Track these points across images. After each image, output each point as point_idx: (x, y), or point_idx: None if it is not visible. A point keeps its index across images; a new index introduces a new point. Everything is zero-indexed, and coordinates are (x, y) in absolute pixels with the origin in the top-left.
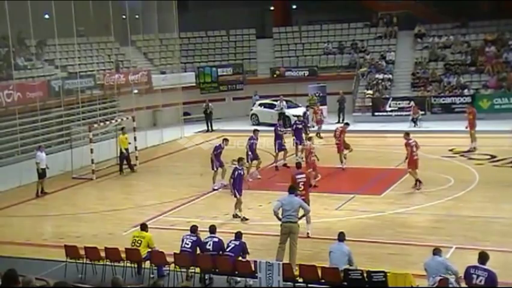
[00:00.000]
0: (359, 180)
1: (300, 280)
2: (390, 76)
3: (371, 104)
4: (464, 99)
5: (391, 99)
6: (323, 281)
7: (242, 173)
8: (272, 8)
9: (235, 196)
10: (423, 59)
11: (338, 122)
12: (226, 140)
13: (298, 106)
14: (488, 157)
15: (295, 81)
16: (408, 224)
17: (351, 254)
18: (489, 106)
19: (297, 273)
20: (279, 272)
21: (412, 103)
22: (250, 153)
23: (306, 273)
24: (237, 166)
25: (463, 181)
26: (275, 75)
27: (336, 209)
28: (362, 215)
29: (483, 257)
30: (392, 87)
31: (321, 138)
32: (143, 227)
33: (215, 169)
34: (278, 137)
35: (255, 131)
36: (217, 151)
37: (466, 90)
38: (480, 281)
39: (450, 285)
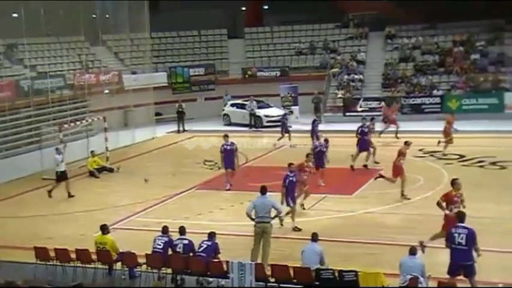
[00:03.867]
0: (330, 180)
1: (272, 280)
2: (361, 77)
3: (342, 104)
4: (434, 100)
5: (362, 99)
6: (294, 280)
7: (294, 179)
8: (244, 9)
9: (288, 205)
10: (394, 59)
11: None
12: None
13: (270, 106)
14: (457, 157)
15: (267, 81)
16: (379, 223)
17: (323, 254)
18: (458, 107)
19: (269, 273)
20: (251, 272)
21: (383, 103)
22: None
23: (278, 273)
24: (288, 173)
25: (432, 180)
26: (247, 76)
27: (308, 209)
28: (333, 215)
29: (461, 216)
30: (362, 87)
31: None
32: (104, 229)
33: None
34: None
35: (225, 135)
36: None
37: (435, 91)
38: (462, 238)
39: (419, 285)
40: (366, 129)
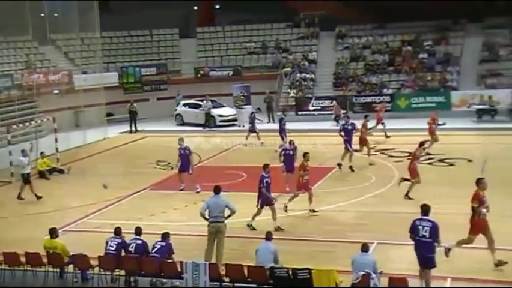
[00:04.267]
0: (281, 179)
1: (227, 280)
2: (313, 76)
3: (294, 103)
4: (384, 98)
5: (314, 98)
6: (249, 280)
7: (269, 181)
8: (196, 8)
9: (262, 206)
10: (344, 59)
11: (269, 122)
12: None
13: (223, 106)
14: (407, 154)
15: (219, 81)
16: (332, 221)
17: (277, 252)
18: (407, 105)
19: (223, 273)
20: (205, 272)
21: (334, 102)
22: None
23: (232, 273)
24: (263, 174)
25: (383, 178)
26: (199, 75)
27: (262, 208)
28: (285, 214)
29: (425, 209)
30: (314, 86)
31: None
32: (52, 233)
33: None
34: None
35: (180, 139)
36: None
37: (385, 90)
38: (426, 231)
39: (371, 281)
40: (349, 127)
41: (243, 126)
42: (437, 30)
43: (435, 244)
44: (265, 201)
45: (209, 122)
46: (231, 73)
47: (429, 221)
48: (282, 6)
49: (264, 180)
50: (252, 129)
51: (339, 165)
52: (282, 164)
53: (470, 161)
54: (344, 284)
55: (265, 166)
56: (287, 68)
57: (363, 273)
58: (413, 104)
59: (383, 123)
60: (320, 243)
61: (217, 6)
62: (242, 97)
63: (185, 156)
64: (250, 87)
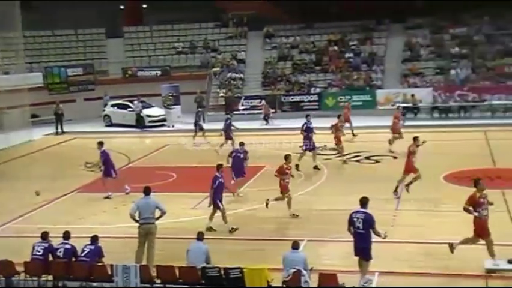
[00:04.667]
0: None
1: (158, 281)
2: (242, 75)
3: (224, 103)
4: (312, 98)
5: (243, 98)
6: (181, 281)
7: (223, 181)
8: (122, 7)
9: (217, 207)
10: (273, 58)
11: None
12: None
13: (152, 106)
14: (335, 152)
15: (148, 81)
16: (263, 219)
17: (208, 252)
18: (334, 104)
19: (154, 274)
20: (136, 274)
21: (263, 101)
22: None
23: (163, 274)
24: (217, 174)
25: (313, 176)
26: (127, 75)
27: (193, 208)
28: (218, 213)
29: (362, 202)
30: (243, 86)
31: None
32: None
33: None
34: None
35: (99, 143)
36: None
37: (313, 89)
38: (359, 222)
39: (302, 278)
40: (311, 126)
41: (173, 126)
42: (362, 30)
43: (373, 235)
44: (216, 202)
45: (140, 123)
46: (159, 73)
47: (363, 213)
48: (210, 6)
49: (217, 181)
50: (200, 128)
51: (297, 166)
52: (229, 166)
53: (395, 157)
54: (275, 282)
55: (219, 166)
56: (216, 68)
57: (294, 270)
58: (340, 102)
59: (349, 122)
60: (252, 242)
61: (145, 6)
62: (171, 97)
63: (107, 160)
64: (180, 87)
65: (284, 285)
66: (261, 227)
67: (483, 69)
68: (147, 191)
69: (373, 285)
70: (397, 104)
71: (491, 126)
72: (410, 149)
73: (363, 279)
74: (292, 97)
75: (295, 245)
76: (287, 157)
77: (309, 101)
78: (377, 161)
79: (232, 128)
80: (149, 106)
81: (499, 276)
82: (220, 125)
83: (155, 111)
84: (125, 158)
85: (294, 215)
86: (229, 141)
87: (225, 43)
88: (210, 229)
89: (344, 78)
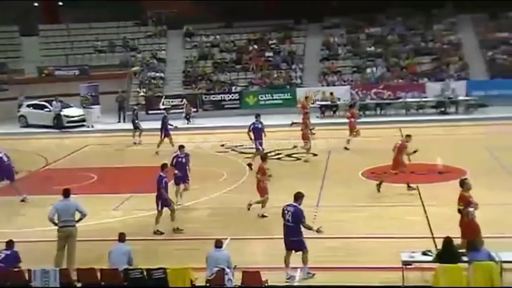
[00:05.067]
0: (135, 179)
1: (79, 285)
2: (162, 74)
3: (144, 102)
4: (233, 96)
5: (164, 97)
6: (102, 283)
7: (167, 180)
8: (36, 5)
9: (168, 206)
10: (193, 57)
11: (119, 122)
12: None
13: (71, 106)
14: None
15: (65, 80)
16: (186, 218)
17: (130, 254)
18: (255, 102)
19: (75, 277)
20: (55, 278)
21: (184, 100)
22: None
23: (84, 277)
24: (161, 174)
25: (235, 174)
26: (43, 75)
27: (114, 209)
28: (141, 214)
29: (296, 197)
30: (164, 85)
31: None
32: None
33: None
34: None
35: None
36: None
37: (234, 88)
38: (289, 216)
39: (226, 276)
40: (259, 125)
41: (92, 126)
42: (281, 29)
43: (301, 228)
44: (164, 202)
45: (59, 123)
46: (77, 72)
47: (293, 206)
48: (129, 4)
49: (163, 181)
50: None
51: (250, 165)
52: (175, 172)
53: (315, 155)
54: (199, 281)
55: (164, 166)
56: (136, 67)
57: (217, 269)
58: (261, 101)
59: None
60: (176, 242)
61: (61, 3)
62: (89, 97)
63: (5, 165)
64: (99, 86)
65: (208, 284)
66: (184, 226)
67: (397, 68)
68: (66, 193)
69: (296, 282)
70: (353, 101)
71: (405, 123)
72: (400, 146)
73: (304, 271)
74: (213, 96)
75: (219, 244)
76: (265, 157)
77: (230, 100)
78: (298, 159)
79: (170, 126)
80: (68, 106)
81: (414, 267)
82: (141, 125)
83: (74, 112)
84: (42, 159)
85: (263, 215)
86: (166, 139)
87: (144, 42)
88: (176, 230)
89: (264, 77)
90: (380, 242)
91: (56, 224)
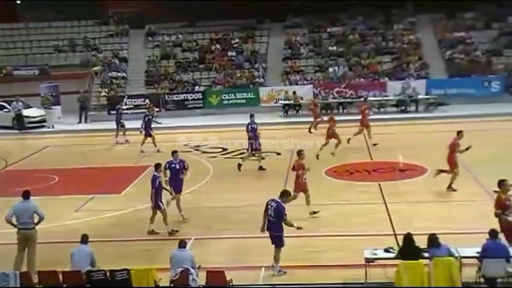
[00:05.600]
0: (97, 179)
1: (40, 287)
2: (124, 74)
3: (106, 102)
4: (196, 96)
5: (126, 97)
6: (65, 286)
7: (161, 180)
8: None
9: (159, 208)
10: (156, 57)
11: (80, 122)
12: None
13: (31, 107)
14: (220, 150)
15: (25, 80)
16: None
17: (93, 255)
18: (218, 102)
19: (36, 280)
20: (16, 281)
21: (147, 100)
22: None
23: (46, 280)
24: (155, 174)
25: (198, 174)
26: (2, 75)
27: (76, 211)
28: (103, 215)
29: (282, 194)
30: (126, 85)
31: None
32: None
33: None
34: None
35: None
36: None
37: (197, 87)
38: (272, 211)
39: (190, 276)
40: (255, 126)
41: (53, 127)
42: (244, 29)
43: (283, 224)
44: (156, 204)
45: (19, 124)
46: (37, 72)
47: (276, 202)
48: (90, 3)
49: (157, 180)
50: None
51: (239, 165)
52: (167, 183)
53: (278, 154)
54: (163, 282)
55: (157, 165)
56: (97, 67)
57: (181, 269)
58: (224, 100)
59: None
60: (139, 243)
61: (19, 2)
62: (50, 97)
63: None
64: (59, 86)
65: (172, 285)
66: (146, 227)
67: (358, 67)
68: (26, 195)
69: (260, 281)
70: (365, 95)
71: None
72: (452, 144)
73: (276, 269)
74: (176, 96)
75: (182, 244)
76: (300, 153)
77: (193, 100)
78: (262, 158)
79: (156, 123)
80: (28, 106)
81: (377, 264)
82: (102, 125)
83: (34, 112)
84: (2, 161)
85: (314, 212)
86: (149, 138)
87: (105, 41)
88: (152, 232)
89: (227, 77)
90: (343, 239)
91: (14, 226)
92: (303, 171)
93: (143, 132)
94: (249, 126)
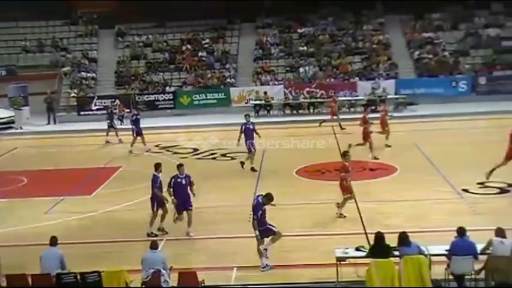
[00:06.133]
0: (68, 181)
1: None
2: (94, 75)
3: (76, 103)
4: (167, 96)
5: (96, 98)
6: None
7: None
8: None
9: (162, 207)
10: (126, 57)
11: (48, 123)
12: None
13: None
14: (191, 151)
15: None
16: (121, 221)
17: (63, 258)
18: (189, 102)
19: (4, 284)
20: None
21: (117, 101)
22: None
23: (14, 283)
24: (155, 173)
25: (169, 175)
26: None
27: (46, 213)
28: (73, 217)
29: (266, 196)
30: (96, 85)
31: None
32: None
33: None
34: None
35: None
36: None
37: (167, 88)
38: (253, 205)
39: (162, 277)
40: (250, 126)
41: (21, 128)
42: (214, 29)
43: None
44: (160, 202)
45: None
46: (4, 73)
47: (256, 198)
48: (58, 3)
49: (158, 180)
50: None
51: (242, 163)
52: (172, 198)
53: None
54: (135, 283)
55: (157, 165)
56: (66, 67)
57: (153, 270)
58: (195, 101)
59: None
60: (110, 244)
61: None
62: (20, 98)
63: None
64: (28, 87)
65: (143, 286)
66: (119, 229)
67: (329, 67)
68: None
69: (232, 281)
70: (384, 94)
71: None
72: None
73: (262, 263)
74: (146, 96)
75: (154, 245)
76: (346, 154)
77: (164, 100)
78: (232, 158)
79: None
80: None
81: (348, 263)
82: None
83: (2, 113)
84: None
85: (341, 215)
86: (139, 138)
87: (75, 42)
88: (162, 230)
89: (198, 77)
90: (314, 239)
91: None
92: (345, 173)
93: (134, 133)
94: (243, 127)
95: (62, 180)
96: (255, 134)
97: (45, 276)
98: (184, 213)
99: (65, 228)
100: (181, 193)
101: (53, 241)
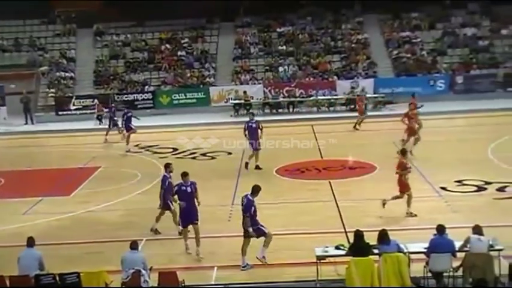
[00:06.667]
0: (46, 181)
1: None
2: (73, 74)
3: (54, 103)
4: (146, 96)
5: (75, 97)
6: None
7: (172, 181)
8: None
9: (169, 208)
10: (104, 56)
11: (26, 124)
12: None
13: None
14: (171, 150)
15: None
16: (101, 221)
17: (42, 259)
18: (169, 102)
19: None
20: None
21: (96, 101)
22: None
23: None
24: (165, 174)
25: (149, 175)
26: None
27: (24, 214)
28: (52, 217)
29: (253, 190)
30: (75, 85)
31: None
32: None
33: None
34: None
35: None
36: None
37: (146, 87)
38: (243, 205)
39: (142, 278)
40: (253, 125)
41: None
42: (193, 28)
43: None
44: (166, 204)
45: None
46: None
47: (246, 197)
48: (36, 2)
49: (167, 181)
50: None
51: (246, 164)
52: (179, 202)
53: (230, 153)
54: (114, 284)
55: (167, 165)
56: (44, 67)
57: (133, 270)
58: (175, 100)
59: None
60: (90, 245)
61: None
62: None
63: None
64: (5, 87)
65: (123, 286)
66: (98, 229)
67: (308, 67)
68: None
69: (212, 281)
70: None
71: (317, 120)
72: None
73: (243, 262)
74: (126, 96)
75: (134, 246)
76: (404, 152)
77: (143, 100)
78: (212, 158)
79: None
80: None
81: (328, 262)
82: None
83: None
84: None
85: (411, 213)
86: (132, 135)
87: (52, 41)
88: (156, 231)
89: (177, 76)
90: (294, 238)
91: None
92: (402, 170)
93: (124, 130)
94: (246, 125)
95: (40, 181)
96: (259, 132)
97: (24, 278)
98: (190, 227)
99: (44, 228)
100: (187, 203)
101: (30, 242)
